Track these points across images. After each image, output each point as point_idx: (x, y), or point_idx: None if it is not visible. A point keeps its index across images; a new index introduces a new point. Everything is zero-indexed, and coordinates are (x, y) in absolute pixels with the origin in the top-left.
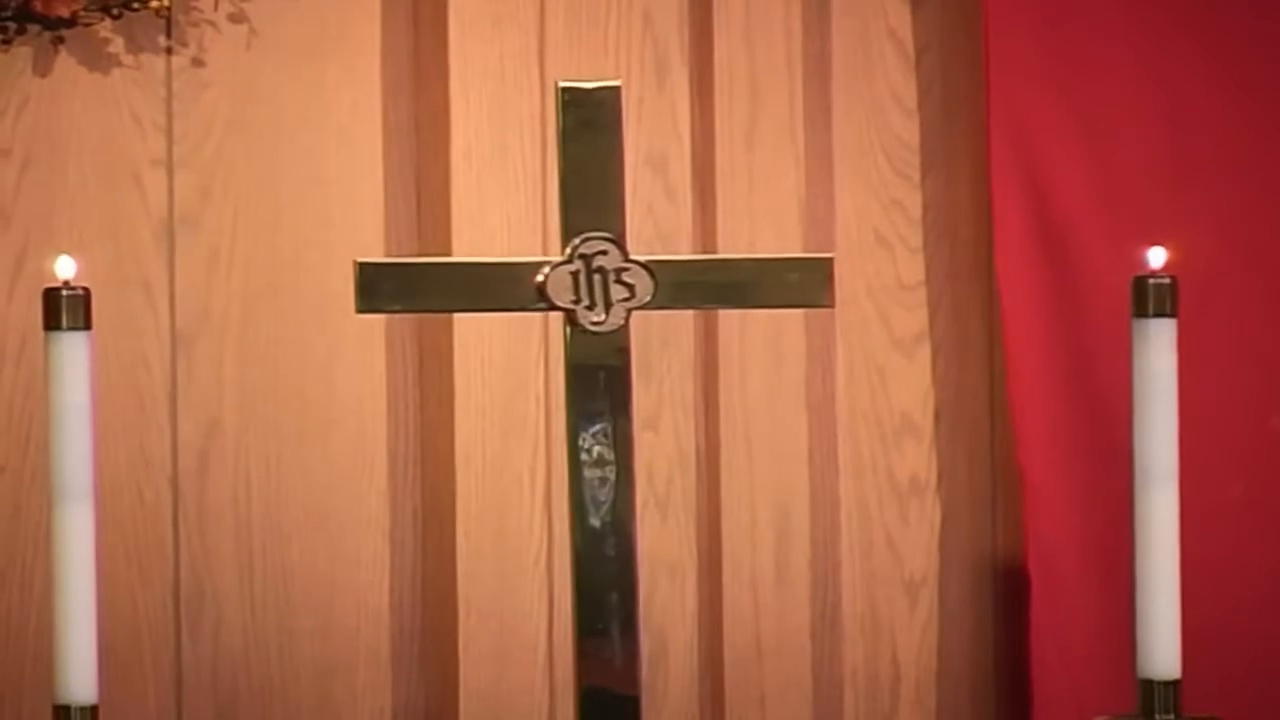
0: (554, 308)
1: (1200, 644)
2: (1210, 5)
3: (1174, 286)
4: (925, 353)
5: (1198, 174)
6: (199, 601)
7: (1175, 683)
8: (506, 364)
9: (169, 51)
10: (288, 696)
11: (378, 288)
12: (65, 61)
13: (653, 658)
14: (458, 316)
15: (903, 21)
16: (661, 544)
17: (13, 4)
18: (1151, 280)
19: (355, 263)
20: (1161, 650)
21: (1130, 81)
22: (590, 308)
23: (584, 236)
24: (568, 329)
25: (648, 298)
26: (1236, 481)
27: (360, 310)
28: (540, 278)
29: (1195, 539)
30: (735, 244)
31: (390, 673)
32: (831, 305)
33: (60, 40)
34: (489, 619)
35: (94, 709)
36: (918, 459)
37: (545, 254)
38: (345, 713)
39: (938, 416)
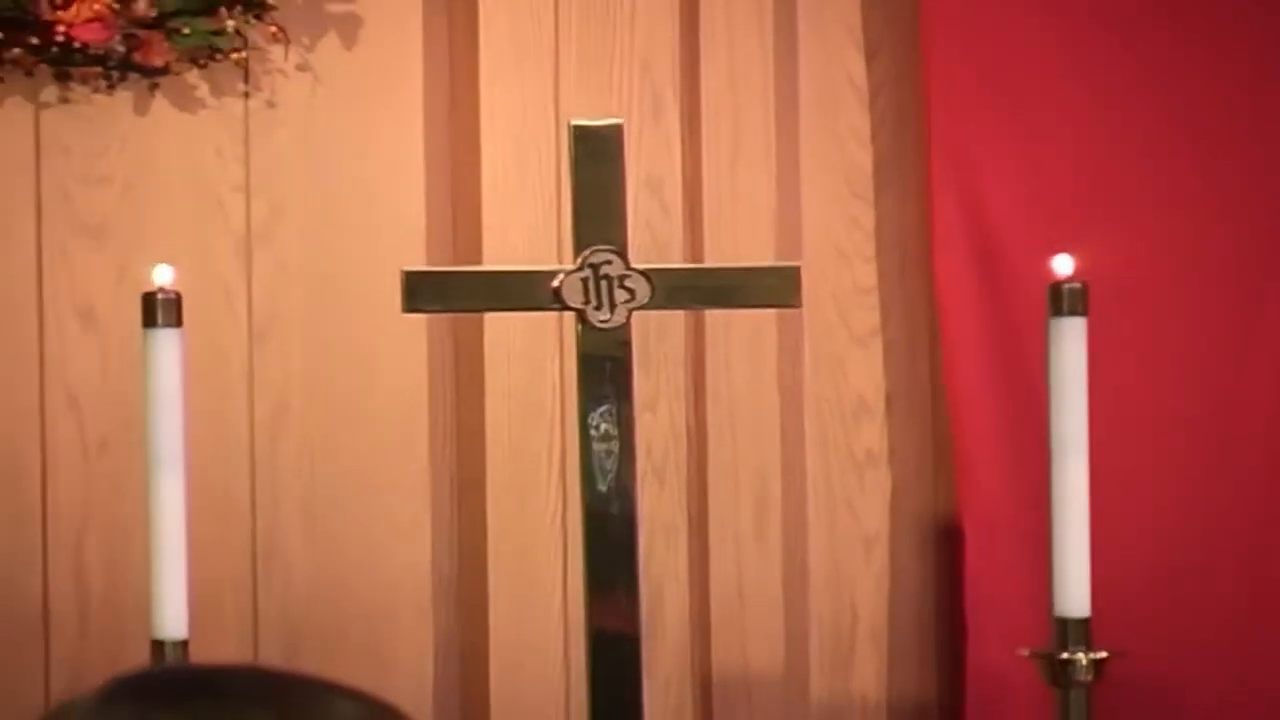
0: (567, 308)
1: (1110, 587)
2: (1139, 52)
3: (1084, 290)
4: (878, 346)
5: (1116, 194)
6: (271, 556)
7: (1086, 620)
8: (527, 356)
9: (246, 96)
10: (345, 636)
11: (420, 292)
12: (160, 104)
13: (651, 604)
14: (487, 316)
15: (859, 69)
16: (658, 508)
17: (116, 57)
18: (1066, 285)
19: (401, 271)
20: (1074, 592)
21: (1058, 116)
22: (598, 308)
23: (592, 248)
24: (579, 326)
25: (646, 300)
26: (1147, 451)
27: (406, 310)
28: (556, 283)
29: (1110, 499)
30: (720, 254)
31: (431, 617)
32: (799, 306)
33: (156, 86)
34: (513, 571)
35: (185, 643)
36: (872, 436)
37: (560, 263)
38: (392, 650)
39: (889, 400)
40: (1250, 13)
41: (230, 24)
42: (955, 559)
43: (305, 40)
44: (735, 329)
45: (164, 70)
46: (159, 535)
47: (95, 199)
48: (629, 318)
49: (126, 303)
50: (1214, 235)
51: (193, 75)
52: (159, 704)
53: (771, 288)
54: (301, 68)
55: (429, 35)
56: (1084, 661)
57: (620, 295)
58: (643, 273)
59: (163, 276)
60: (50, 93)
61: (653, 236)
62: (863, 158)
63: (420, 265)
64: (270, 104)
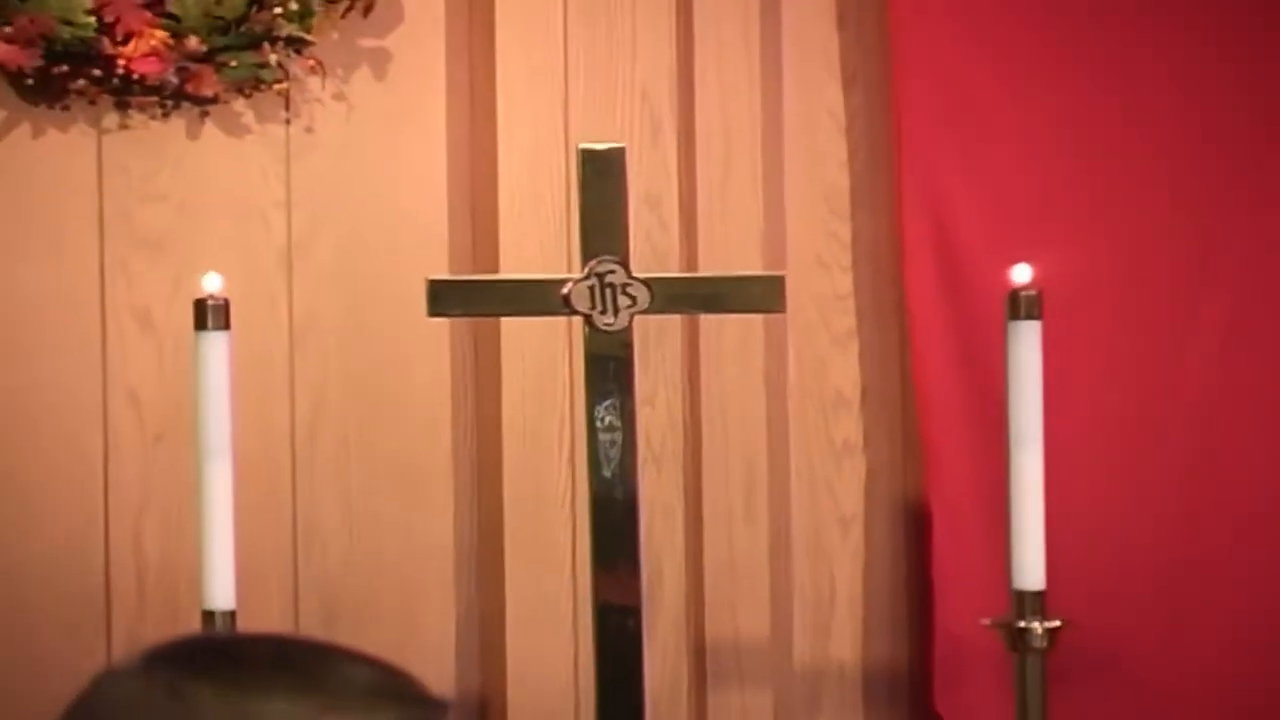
0: (576, 313)
1: (1063, 563)
2: (1087, 85)
3: (1039, 297)
4: (855, 347)
5: (1068, 211)
6: (310, 534)
7: (1041, 593)
8: (540, 356)
9: (287, 122)
10: (376, 605)
11: (443, 298)
12: (210, 130)
13: (651, 577)
14: (504, 320)
15: (837, 100)
16: (657, 491)
17: (171, 87)
18: (1023, 292)
19: (427, 280)
20: (1030, 568)
21: (1015, 142)
22: (603, 313)
23: (598, 259)
24: (586, 329)
25: (646, 305)
26: (1095, 440)
27: (431, 315)
28: (565, 290)
29: (1063, 484)
30: (712, 264)
31: (454, 589)
32: (784, 311)
33: (206, 114)
34: (528, 548)
35: (232, 613)
36: (849, 426)
37: (569, 273)
38: (419, 618)
39: (864, 394)
40: (1187, 46)
41: (273, 58)
42: (924, 537)
43: (340, 73)
44: (726, 331)
45: (213, 99)
46: (209, 517)
47: (152, 215)
48: (631, 321)
49: (180, 308)
50: (1155, 250)
51: (239, 104)
52: (189, 671)
53: (758, 294)
54: (337, 97)
55: (451, 68)
56: (1039, 630)
57: (623, 301)
58: (643, 281)
59: (212, 284)
60: (111, 120)
61: (652, 248)
62: (840, 178)
63: (444, 274)
64: (309, 130)
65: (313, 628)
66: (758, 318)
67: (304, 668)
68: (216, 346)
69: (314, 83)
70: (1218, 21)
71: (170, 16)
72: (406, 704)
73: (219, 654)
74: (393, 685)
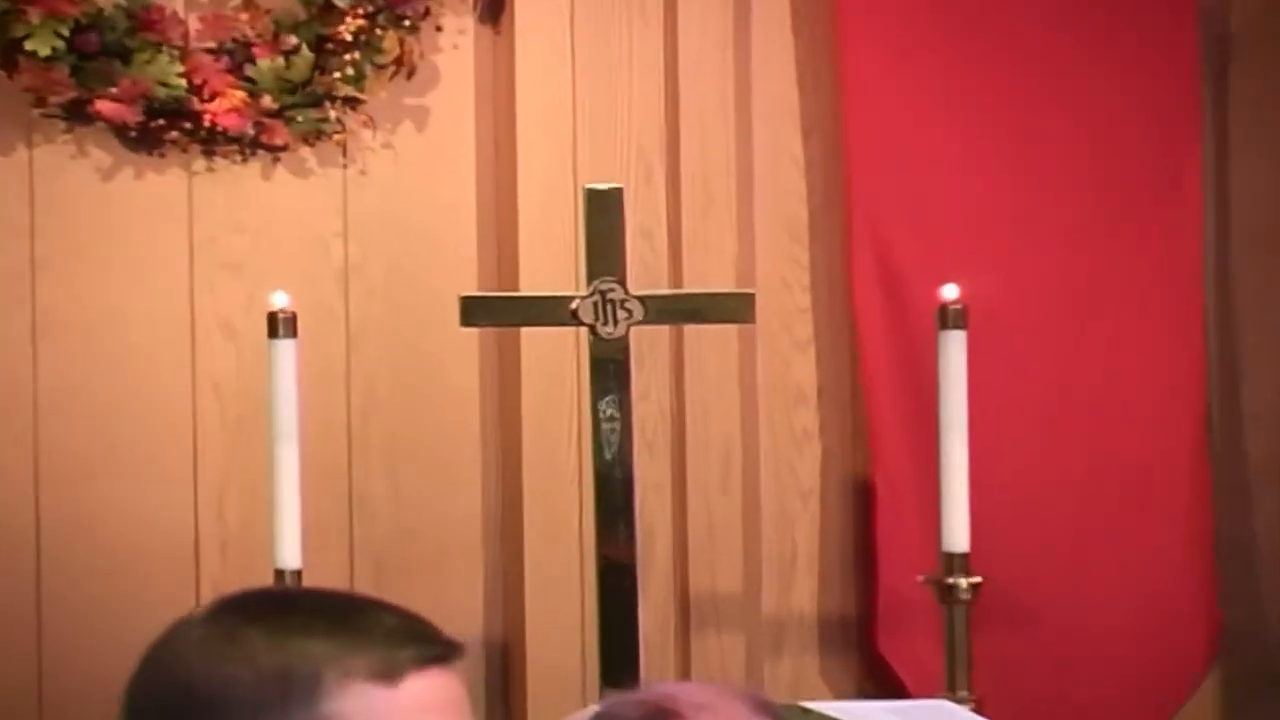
0: (582, 324)
1: (986, 530)
2: (1012, 129)
3: (964, 310)
4: (812, 351)
5: (990, 239)
6: (363, 505)
7: (966, 554)
8: (552, 359)
9: (344, 167)
10: (417, 566)
11: (473, 311)
12: (281, 172)
13: (644, 542)
14: (523, 329)
15: (798, 147)
16: (649, 471)
17: (248, 138)
18: (951, 306)
19: (459, 296)
20: (957, 533)
21: (947, 182)
22: (605, 324)
23: (601, 279)
24: (591, 337)
25: (641, 318)
26: (1014, 429)
27: (462, 325)
28: (574, 305)
29: (984, 464)
30: (694, 283)
31: (481, 552)
32: (754, 322)
33: (277, 160)
34: (543, 518)
35: (299, 571)
36: (808, 418)
37: (577, 291)
38: (453, 576)
39: (820, 391)
40: (1091, 107)
41: (333, 114)
42: (870, 508)
43: (388, 125)
44: (706, 339)
45: (284, 148)
46: (280, 491)
47: (233, 242)
48: (628, 331)
49: (256, 320)
50: (1058, 274)
51: (305, 151)
52: (246, 618)
53: (733, 308)
54: (385, 146)
55: (480, 122)
56: (964, 585)
57: (621, 314)
58: (638, 298)
59: (282, 300)
60: (200, 164)
61: (645, 270)
62: (800, 212)
63: (473, 292)
64: (362, 173)
65: (364, 584)
66: (732, 328)
67: (339, 614)
68: (286, 352)
69: (366, 134)
70: (1121, 84)
71: (248, 79)
72: (423, 643)
73: (273, 604)
74: (413, 628)
